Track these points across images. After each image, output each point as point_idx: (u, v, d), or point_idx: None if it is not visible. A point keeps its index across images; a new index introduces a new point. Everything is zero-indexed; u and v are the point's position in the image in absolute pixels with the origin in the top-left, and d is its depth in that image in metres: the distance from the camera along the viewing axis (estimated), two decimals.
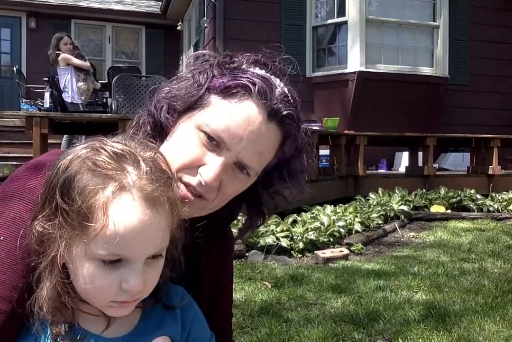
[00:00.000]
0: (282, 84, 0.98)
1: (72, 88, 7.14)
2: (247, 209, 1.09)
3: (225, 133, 0.92)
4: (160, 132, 1.00)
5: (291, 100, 0.98)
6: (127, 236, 0.75)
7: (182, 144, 0.94)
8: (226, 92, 0.94)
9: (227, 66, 0.97)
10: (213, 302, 1.13)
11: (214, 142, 0.92)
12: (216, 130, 0.92)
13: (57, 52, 7.13)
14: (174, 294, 0.93)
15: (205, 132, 0.93)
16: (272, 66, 1.00)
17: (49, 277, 0.79)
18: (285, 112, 0.95)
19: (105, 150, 0.79)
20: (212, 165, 0.92)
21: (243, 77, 0.95)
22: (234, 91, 0.94)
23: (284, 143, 0.99)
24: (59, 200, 0.76)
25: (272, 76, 0.98)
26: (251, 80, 0.94)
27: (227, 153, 0.92)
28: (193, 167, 0.93)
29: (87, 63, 7.35)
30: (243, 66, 0.98)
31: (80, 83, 7.18)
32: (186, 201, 0.92)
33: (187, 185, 0.93)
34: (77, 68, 7.19)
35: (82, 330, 0.83)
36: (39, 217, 0.79)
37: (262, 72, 0.98)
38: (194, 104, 0.96)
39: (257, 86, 0.94)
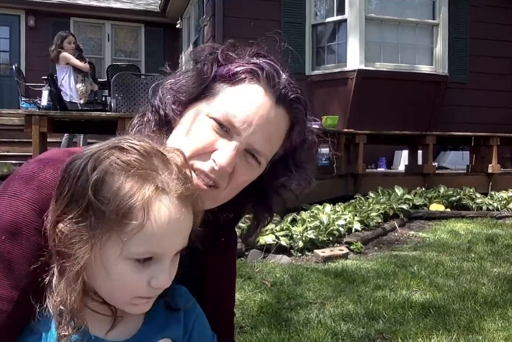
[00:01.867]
0: (285, 74, 0.99)
1: (70, 87, 7.13)
2: (253, 207, 1.08)
3: (235, 118, 0.92)
4: (165, 127, 0.99)
5: (296, 87, 0.99)
6: (165, 234, 0.77)
7: (193, 132, 0.94)
8: (234, 78, 0.95)
9: (231, 54, 0.98)
10: (217, 301, 1.12)
11: (224, 128, 0.93)
12: (225, 115, 0.92)
13: (59, 49, 7.12)
14: (179, 296, 0.93)
15: (214, 119, 0.93)
16: (273, 58, 1.00)
17: (71, 279, 0.78)
18: (293, 96, 0.96)
19: (135, 149, 0.79)
20: (226, 150, 0.92)
21: (250, 63, 0.96)
22: (243, 76, 0.94)
23: (292, 130, 0.99)
24: (93, 201, 0.75)
25: (277, 65, 0.99)
26: (259, 66, 0.95)
27: (238, 139, 0.93)
28: (205, 153, 0.93)
29: (87, 65, 7.34)
30: (246, 57, 0.98)
31: (79, 85, 7.18)
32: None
33: (199, 172, 0.93)
34: (76, 69, 7.18)
35: (87, 333, 0.82)
36: (65, 219, 0.78)
37: (267, 60, 0.98)
38: (201, 94, 0.96)
39: (265, 71, 0.95)
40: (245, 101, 0.93)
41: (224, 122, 0.92)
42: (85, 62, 7.30)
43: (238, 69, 0.95)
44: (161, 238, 0.77)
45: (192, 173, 0.91)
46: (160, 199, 0.77)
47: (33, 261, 0.84)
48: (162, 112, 0.99)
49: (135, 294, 0.80)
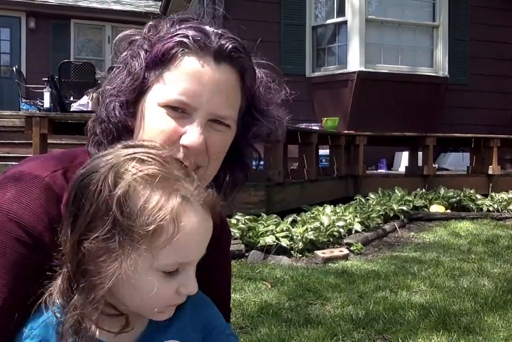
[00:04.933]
0: (212, 28, 0.97)
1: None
2: (229, 167, 1.06)
3: (184, 96, 0.91)
4: (124, 133, 0.98)
5: (229, 36, 0.96)
6: (193, 244, 0.78)
7: (152, 127, 0.93)
8: (166, 58, 0.93)
9: (154, 37, 0.96)
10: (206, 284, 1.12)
11: (179, 110, 0.92)
12: (174, 98, 0.91)
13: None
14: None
15: (165, 106, 0.92)
16: (196, 17, 0.99)
17: (99, 296, 0.76)
18: (229, 47, 0.94)
19: (154, 159, 0.78)
20: (191, 130, 0.91)
21: (173, 36, 0.94)
22: (173, 52, 0.93)
23: (244, 80, 0.98)
24: (120, 217, 0.73)
25: (201, 25, 0.97)
26: (182, 35, 0.93)
27: (197, 114, 0.92)
28: (174, 142, 0.92)
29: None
30: (170, 30, 0.96)
31: None
32: None
33: None
34: None
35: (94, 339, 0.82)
36: (91, 237, 0.74)
37: (188, 24, 0.96)
38: (142, 88, 0.95)
39: (190, 37, 0.92)
40: (186, 75, 0.92)
41: (176, 105, 0.91)
42: None
43: (165, 47, 0.93)
44: (190, 247, 0.77)
45: None
46: (187, 210, 0.76)
47: (16, 271, 0.84)
48: (113, 120, 0.97)
49: (166, 304, 0.81)
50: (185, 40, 0.92)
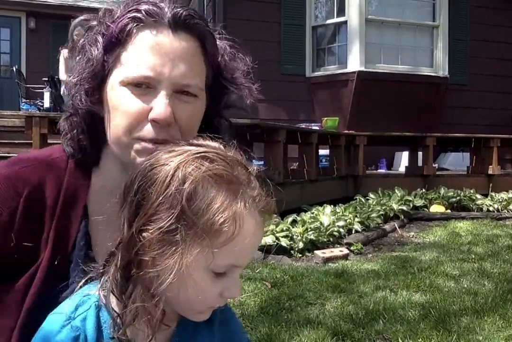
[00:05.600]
0: (166, 2, 0.96)
1: None
2: None
3: (145, 71, 0.89)
4: (95, 122, 0.98)
5: (183, 6, 0.95)
6: (249, 247, 0.79)
7: (119, 107, 0.92)
8: (121, 36, 0.91)
9: (109, 20, 0.95)
10: None
11: (143, 86, 0.90)
12: (136, 74, 0.90)
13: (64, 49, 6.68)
14: None
15: (128, 84, 0.90)
16: None
17: (162, 291, 0.76)
18: (183, 15, 0.93)
19: (222, 160, 0.79)
20: (157, 103, 0.90)
21: (126, 13, 0.93)
22: (128, 28, 0.91)
23: (204, 46, 0.96)
24: (187, 211, 0.74)
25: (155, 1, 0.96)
26: (135, 9, 0.92)
27: (162, 86, 0.90)
28: (142, 120, 0.91)
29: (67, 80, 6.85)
30: (123, 11, 0.95)
31: None
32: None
33: (148, 141, 0.90)
34: None
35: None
36: (154, 228, 0.75)
37: (141, 2, 0.95)
38: (103, 73, 0.94)
39: (143, 11, 0.91)
40: (144, 49, 0.90)
41: (138, 81, 0.90)
42: None
43: (119, 25, 0.91)
44: (245, 251, 0.79)
45: (143, 143, 0.90)
46: (247, 214, 0.77)
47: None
48: (81, 111, 0.97)
49: (208, 305, 0.81)
50: (138, 14, 0.91)
